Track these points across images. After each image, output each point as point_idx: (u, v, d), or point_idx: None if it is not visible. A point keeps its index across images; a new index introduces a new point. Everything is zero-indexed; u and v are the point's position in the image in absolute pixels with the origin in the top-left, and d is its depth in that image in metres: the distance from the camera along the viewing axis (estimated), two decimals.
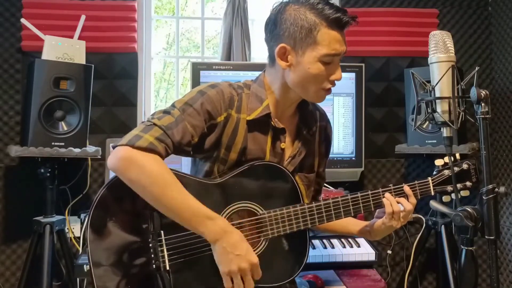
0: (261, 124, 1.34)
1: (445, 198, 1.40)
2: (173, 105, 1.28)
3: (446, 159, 1.38)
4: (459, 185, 1.38)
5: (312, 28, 1.24)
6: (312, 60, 1.26)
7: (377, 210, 1.42)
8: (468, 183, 1.39)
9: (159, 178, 1.16)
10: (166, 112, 1.26)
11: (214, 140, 1.30)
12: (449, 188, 1.38)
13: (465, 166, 1.39)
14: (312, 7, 1.25)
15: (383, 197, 1.35)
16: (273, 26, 1.31)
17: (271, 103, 1.36)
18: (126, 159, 1.16)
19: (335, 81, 1.31)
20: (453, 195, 1.38)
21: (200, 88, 1.31)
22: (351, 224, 1.52)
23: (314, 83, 1.29)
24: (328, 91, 1.32)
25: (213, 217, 1.18)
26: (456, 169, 1.37)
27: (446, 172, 1.39)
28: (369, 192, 1.36)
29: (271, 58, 1.34)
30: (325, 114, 1.54)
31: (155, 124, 1.22)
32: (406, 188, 1.37)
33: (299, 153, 1.42)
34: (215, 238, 1.18)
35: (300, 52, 1.26)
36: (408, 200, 1.35)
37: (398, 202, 1.34)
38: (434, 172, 1.41)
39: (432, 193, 1.39)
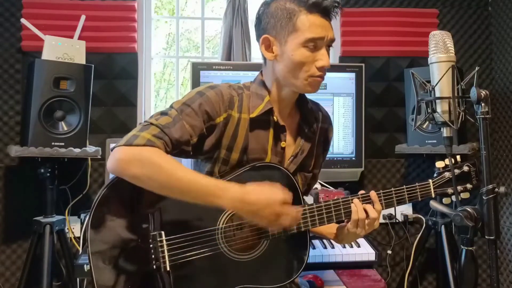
0: (262, 123, 1.35)
1: (446, 200, 1.40)
2: (171, 106, 1.28)
3: (447, 161, 1.38)
4: (459, 187, 1.38)
5: (292, 15, 1.25)
6: (294, 47, 1.26)
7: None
8: (468, 185, 1.39)
9: (161, 165, 1.15)
10: (163, 113, 1.26)
11: (214, 141, 1.30)
12: (450, 190, 1.38)
13: (465, 168, 1.39)
14: None
15: (352, 203, 1.33)
16: (258, 23, 1.34)
17: (270, 100, 1.36)
18: (125, 160, 1.16)
19: (324, 68, 1.29)
20: (453, 197, 1.38)
21: (199, 89, 1.31)
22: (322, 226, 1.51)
23: (300, 71, 1.28)
24: (320, 78, 1.30)
25: (225, 187, 1.16)
26: (456, 171, 1.37)
27: (447, 174, 1.39)
28: (340, 200, 1.34)
29: (262, 54, 1.35)
30: (328, 117, 1.54)
31: (152, 124, 1.21)
32: (372, 194, 1.35)
33: (301, 152, 1.42)
34: (235, 208, 1.19)
35: (283, 41, 1.28)
36: (373, 207, 1.33)
37: (364, 209, 1.32)
38: (435, 175, 1.41)
39: (433, 195, 1.39)
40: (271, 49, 1.30)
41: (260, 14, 1.34)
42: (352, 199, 1.34)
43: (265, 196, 1.17)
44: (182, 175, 1.15)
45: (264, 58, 1.35)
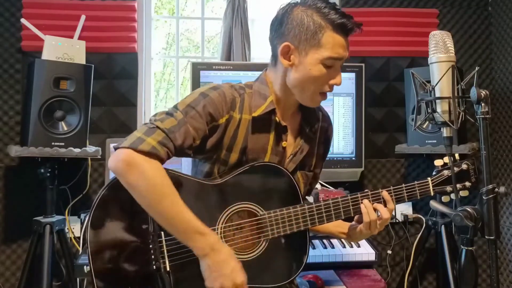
0: (264, 122, 1.34)
1: (445, 199, 1.40)
2: (175, 107, 1.28)
3: (446, 159, 1.38)
4: (458, 185, 1.38)
5: (318, 30, 1.25)
6: (314, 62, 1.26)
7: (357, 216, 1.41)
8: (467, 183, 1.39)
9: (157, 186, 1.17)
10: (168, 114, 1.25)
11: (215, 142, 1.30)
12: (448, 188, 1.38)
13: (464, 166, 1.39)
14: (318, 10, 1.26)
15: (361, 203, 1.34)
16: (279, 25, 1.31)
17: (274, 101, 1.36)
18: (128, 163, 1.16)
19: (334, 86, 1.32)
20: (452, 195, 1.38)
21: (202, 90, 1.31)
22: (332, 225, 1.51)
23: (313, 85, 1.30)
24: (324, 95, 1.33)
25: (204, 233, 1.18)
26: (455, 169, 1.37)
27: (446, 172, 1.39)
28: (349, 197, 1.35)
29: (274, 57, 1.35)
30: (328, 116, 1.54)
31: (158, 127, 1.21)
32: (384, 193, 1.36)
33: (301, 151, 1.42)
34: (202, 254, 1.19)
35: (304, 52, 1.27)
36: (386, 206, 1.34)
37: (375, 209, 1.34)
38: (434, 173, 1.41)
39: (432, 194, 1.39)
40: (289, 57, 1.29)
41: (283, 17, 1.31)
42: (362, 200, 1.34)
43: (230, 269, 1.18)
44: (170, 204, 1.17)
45: (275, 60, 1.34)
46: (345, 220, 1.43)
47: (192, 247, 1.20)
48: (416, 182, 1.39)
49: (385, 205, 1.35)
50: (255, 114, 1.33)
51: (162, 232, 1.23)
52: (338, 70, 1.31)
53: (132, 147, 1.17)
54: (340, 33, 1.26)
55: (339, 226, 1.50)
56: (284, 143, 1.38)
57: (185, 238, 1.19)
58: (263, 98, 1.35)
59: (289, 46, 1.28)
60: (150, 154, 1.17)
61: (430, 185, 1.39)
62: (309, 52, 1.27)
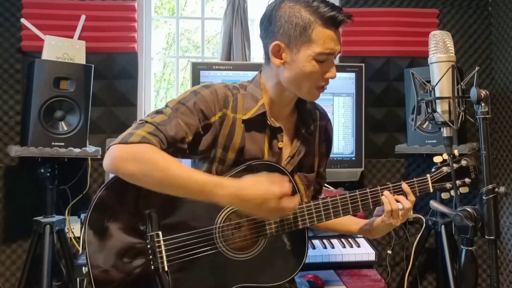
0: (257, 124, 1.34)
1: (444, 195, 1.40)
2: (166, 105, 1.28)
3: (445, 155, 1.38)
4: (458, 182, 1.38)
5: (307, 26, 1.23)
6: (306, 58, 1.25)
7: (376, 208, 1.42)
8: (467, 180, 1.39)
9: (157, 161, 1.15)
10: (158, 111, 1.26)
11: (211, 141, 1.30)
12: (448, 184, 1.39)
13: (463, 162, 1.39)
14: (307, 4, 1.25)
15: (382, 195, 1.36)
16: (268, 23, 1.30)
17: (266, 103, 1.35)
18: (120, 156, 1.16)
19: (330, 79, 1.30)
20: (452, 192, 1.38)
21: (194, 89, 1.31)
22: (351, 223, 1.52)
23: (308, 81, 1.28)
24: (322, 89, 1.32)
25: (220, 184, 1.15)
26: (455, 166, 1.37)
27: (445, 169, 1.39)
28: (368, 190, 1.36)
29: (267, 55, 1.34)
30: (325, 113, 1.53)
31: (147, 122, 1.21)
32: (405, 186, 1.37)
33: (298, 153, 1.41)
34: (232, 204, 1.19)
35: (295, 50, 1.26)
36: (406, 198, 1.35)
37: (396, 200, 1.35)
38: (433, 169, 1.41)
39: (431, 190, 1.39)
40: (280, 55, 1.28)
41: (271, 14, 1.29)
42: (382, 192, 1.35)
43: (261, 191, 1.14)
44: (178, 171, 1.15)
45: (268, 59, 1.33)
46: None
47: (218, 202, 1.17)
48: (415, 179, 1.39)
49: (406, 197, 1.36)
50: (245, 117, 1.32)
51: (160, 232, 1.22)
52: (331, 64, 1.29)
53: (122, 142, 1.17)
54: (330, 27, 1.24)
55: (356, 223, 1.51)
56: (280, 144, 1.37)
57: (207, 197, 1.15)
58: (254, 100, 1.34)
59: (279, 45, 1.27)
60: (141, 143, 1.16)
61: (429, 182, 1.39)
62: (301, 49, 1.25)
